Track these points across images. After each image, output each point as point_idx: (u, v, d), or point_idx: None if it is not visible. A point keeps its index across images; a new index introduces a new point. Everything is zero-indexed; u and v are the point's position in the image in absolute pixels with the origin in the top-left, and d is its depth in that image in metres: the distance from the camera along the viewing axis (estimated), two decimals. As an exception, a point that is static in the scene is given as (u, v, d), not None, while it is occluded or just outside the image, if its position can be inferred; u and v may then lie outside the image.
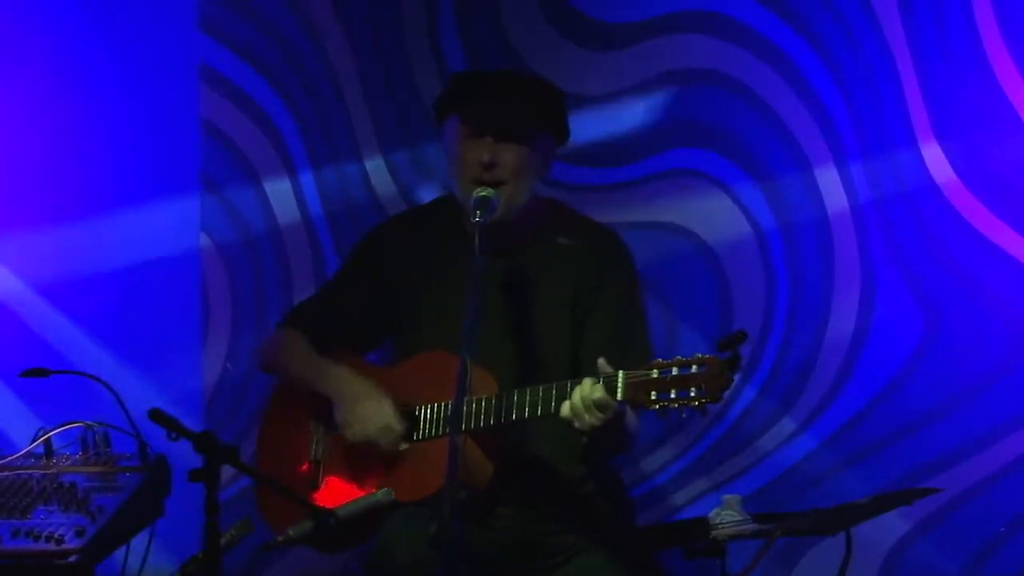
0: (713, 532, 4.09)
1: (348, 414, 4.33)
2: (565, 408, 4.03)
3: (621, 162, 5.71)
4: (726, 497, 4.15)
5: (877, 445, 5.50)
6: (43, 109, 5.67)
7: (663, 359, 3.96)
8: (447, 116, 4.38)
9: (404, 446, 4.31)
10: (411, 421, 4.31)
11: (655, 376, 3.94)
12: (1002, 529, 5.39)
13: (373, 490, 4.07)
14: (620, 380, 3.98)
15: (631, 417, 4.16)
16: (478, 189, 4.24)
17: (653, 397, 3.94)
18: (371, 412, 4.30)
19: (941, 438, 5.44)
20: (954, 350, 5.44)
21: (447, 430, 4.16)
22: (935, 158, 5.47)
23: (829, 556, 5.30)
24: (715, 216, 5.65)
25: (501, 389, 4.20)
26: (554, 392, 4.09)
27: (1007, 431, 5.40)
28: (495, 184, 4.27)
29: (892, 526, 5.38)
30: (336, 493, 4.32)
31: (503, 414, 4.15)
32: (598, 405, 3.98)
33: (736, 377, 3.91)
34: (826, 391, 5.54)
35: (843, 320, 5.54)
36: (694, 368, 3.91)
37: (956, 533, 5.41)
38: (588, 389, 4.00)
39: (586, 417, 4.00)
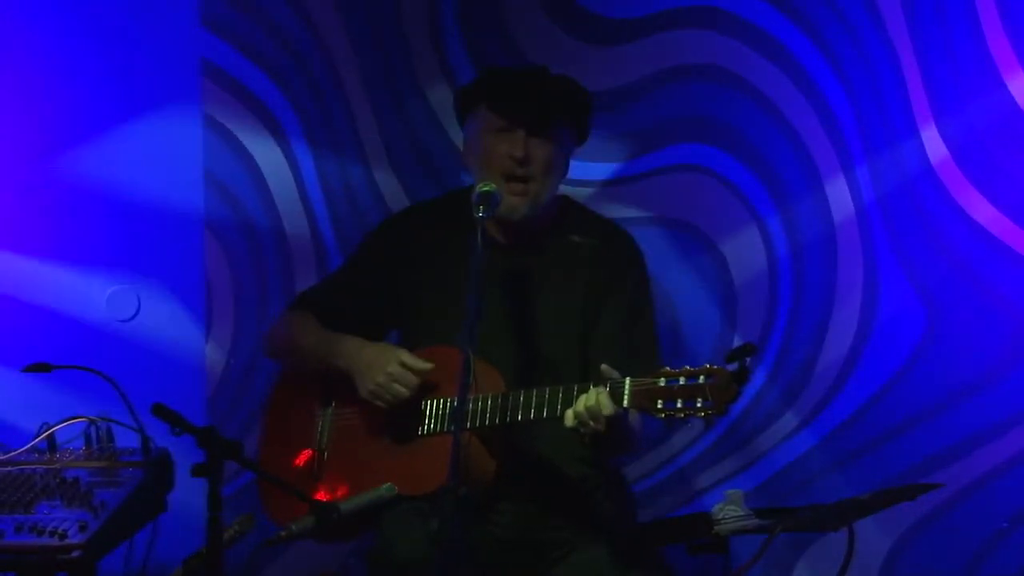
0: (716, 527, 4.09)
1: (373, 384, 4.31)
2: (569, 416, 4.03)
3: (623, 157, 5.71)
4: (729, 492, 4.15)
5: (879, 440, 5.50)
6: (44, 104, 5.66)
7: (671, 367, 3.96)
8: (475, 107, 4.37)
9: (431, 365, 4.30)
10: (417, 415, 4.31)
11: (662, 384, 3.94)
12: (1005, 525, 5.39)
13: (377, 480, 4.08)
14: (627, 388, 3.98)
15: (635, 419, 4.16)
16: (480, 184, 4.23)
17: (659, 406, 3.94)
18: (397, 376, 4.28)
19: (943, 433, 5.44)
20: (957, 346, 5.45)
21: (451, 426, 4.16)
22: (938, 152, 5.47)
23: (831, 551, 5.32)
24: (717, 211, 5.65)
25: (509, 387, 4.20)
26: (560, 396, 4.09)
27: (1010, 426, 5.40)
28: (524, 180, 4.27)
29: (894, 521, 5.39)
30: (340, 483, 4.32)
31: (507, 414, 4.15)
32: (604, 416, 3.98)
33: (742, 390, 3.90)
34: (829, 386, 5.54)
35: (846, 315, 5.54)
36: (702, 379, 3.90)
37: (958, 529, 5.41)
38: (594, 399, 3.99)
39: (591, 424, 4.01)
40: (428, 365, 4.28)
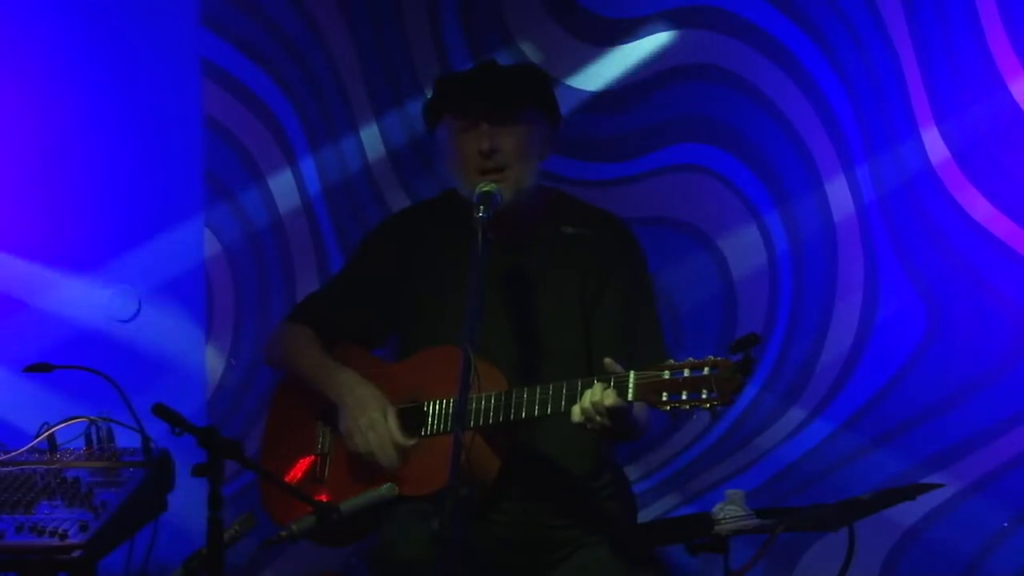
0: (716, 527, 4.08)
1: (351, 423, 4.30)
2: (575, 412, 4.03)
3: (624, 157, 5.70)
4: (729, 492, 4.14)
5: (880, 440, 5.50)
6: (45, 105, 5.66)
7: (674, 360, 3.95)
8: (439, 120, 4.37)
9: (412, 441, 4.30)
10: (420, 416, 4.31)
11: (666, 377, 3.93)
12: (1005, 524, 5.39)
13: (379, 484, 4.08)
14: (631, 381, 3.98)
15: (640, 409, 4.15)
16: (480, 184, 4.23)
17: (664, 398, 3.94)
18: (373, 426, 4.28)
19: (944, 433, 5.44)
20: (957, 345, 5.44)
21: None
22: (939, 152, 5.46)
23: (832, 552, 5.29)
24: (718, 210, 5.64)
25: (512, 384, 4.20)
26: (564, 391, 4.09)
27: (1010, 426, 5.40)
28: (499, 170, 4.26)
29: (895, 521, 5.38)
30: (342, 486, 4.32)
31: (511, 412, 4.15)
32: (609, 411, 3.98)
33: (747, 380, 3.90)
34: (830, 386, 5.54)
35: (847, 315, 5.53)
36: (706, 370, 3.90)
37: (959, 528, 5.41)
38: (599, 394, 3.99)
39: (597, 420, 4.01)
40: (406, 439, 4.27)
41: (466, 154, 4.29)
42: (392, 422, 4.27)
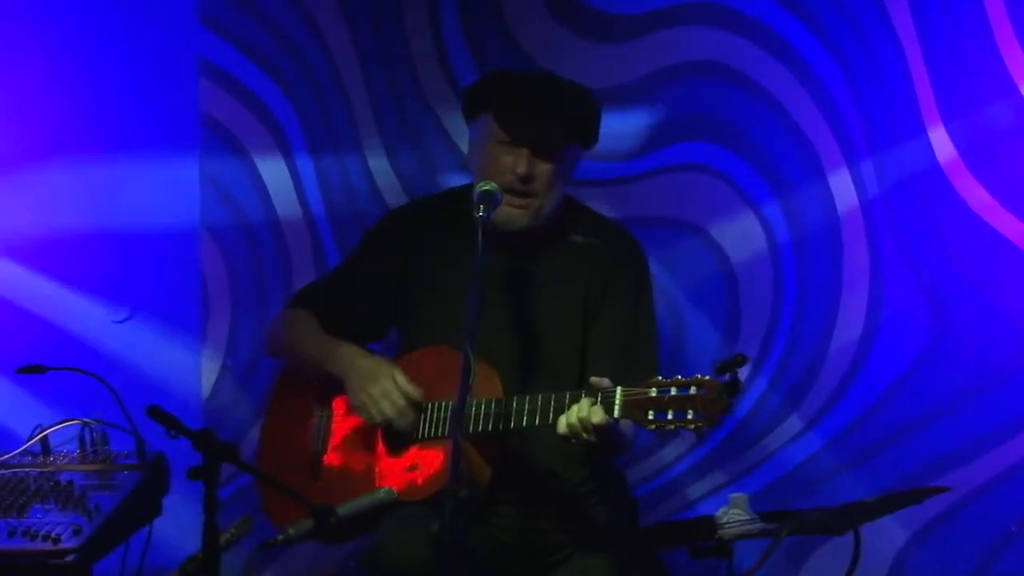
0: (720, 531, 4.08)
1: (363, 396, 4.28)
2: (561, 424, 4.02)
3: (627, 156, 5.69)
4: (733, 496, 4.13)
5: (885, 443, 5.48)
6: (44, 103, 5.65)
7: (663, 377, 3.92)
8: (481, 112, 4.32)
9: (420, 392, 4.27)
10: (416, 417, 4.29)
11: (653, 395, 3.91)
12: (1012, 528, 5.37)
13: (375, 482, 4.06)
14: (617, 398, 3.96)
15: (627, 425, 4.13)
16: (481, 183, 4.20)
17: (650, 417, 3.92)
18: (386, 392, 4.25)
19: (950, 436, 5.43)
20: (963, 347, 5.43)
21: (448, 431, 4.12)
22: (944, 151, 5.45)
23: (837, 555, 5.26)
24: (721, 210, 5.63)
25: (508, 388, 4.18)
26: (552, 404, 4.07)
27: (1016, 429, 5.39)
28: (528, 195, 4.23)
29: (901, 525, 5.37)
30: (338, 484, 4.30)
31: (500, 421, 4.13)
32: (596, 428, 3.95)
33: (734, 402, 3.87)
34: (834, 389, 5.53)
35: (851, 317, 5.52)
36: (693, 390, 3.88)
37: (966, 532, 5.39)
38: (586, 411, 3.97)
39: (583, 436, 3.98)
40: (419, 393, 4.25)
41: (499, 166, 4.25)
42: (402, 382, 4.25)
